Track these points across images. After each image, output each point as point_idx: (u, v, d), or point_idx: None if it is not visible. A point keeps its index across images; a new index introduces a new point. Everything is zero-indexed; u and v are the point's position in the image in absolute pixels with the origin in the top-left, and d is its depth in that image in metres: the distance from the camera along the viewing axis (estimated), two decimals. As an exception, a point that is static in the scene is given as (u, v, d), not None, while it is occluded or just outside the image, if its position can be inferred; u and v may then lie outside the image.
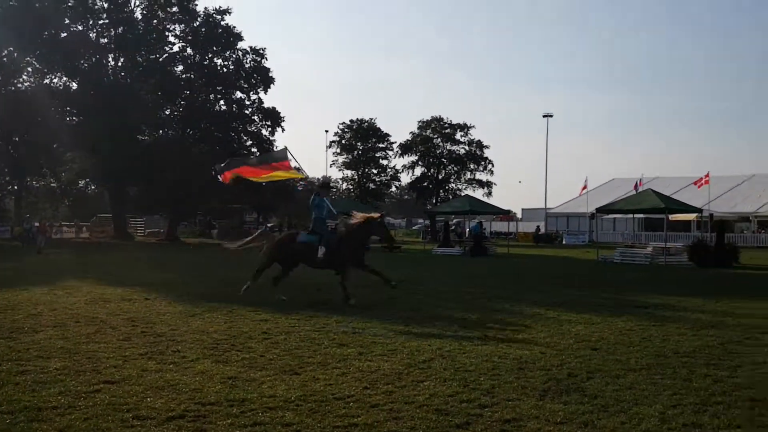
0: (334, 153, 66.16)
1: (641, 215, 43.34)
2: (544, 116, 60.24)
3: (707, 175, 48.22)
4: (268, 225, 51.43)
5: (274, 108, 54.16)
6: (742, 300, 13.77)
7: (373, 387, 6.49)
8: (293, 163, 14.86)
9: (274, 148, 55.01)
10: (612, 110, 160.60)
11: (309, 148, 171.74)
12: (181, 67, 52.46)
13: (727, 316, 11.43)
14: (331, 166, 69.01)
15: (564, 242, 52.65)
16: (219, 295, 13.72)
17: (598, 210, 33.54)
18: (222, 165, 15.33)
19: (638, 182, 52.19)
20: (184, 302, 12.53)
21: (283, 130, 54.64)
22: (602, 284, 17.59)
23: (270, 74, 53.20)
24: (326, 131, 67.57)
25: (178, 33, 51.63)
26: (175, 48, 51.99)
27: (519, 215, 79.08)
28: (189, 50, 51.94)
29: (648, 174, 60.53)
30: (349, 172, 67.30)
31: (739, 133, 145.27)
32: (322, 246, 12.73)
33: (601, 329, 9.90)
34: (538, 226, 59.25)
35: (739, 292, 15.40)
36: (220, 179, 15.21)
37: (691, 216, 44.11)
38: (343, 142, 65.59)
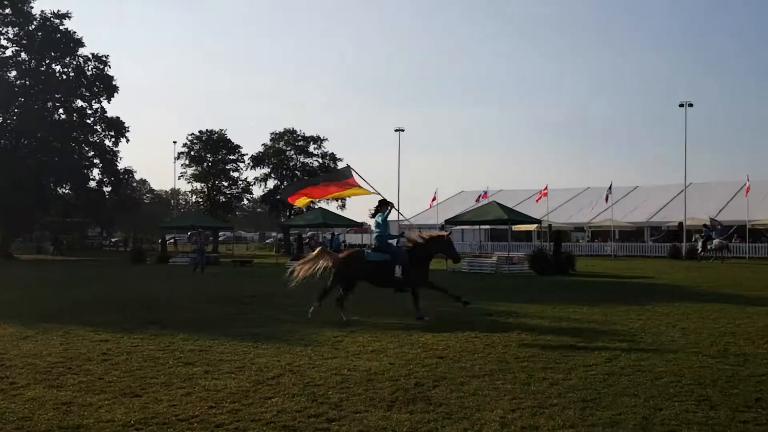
0: (182, 165, 64.31)
1: (487, 226, 45.23)
2: (396, 131, 61.36)
3: (546, 188, 51.04)
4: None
5: (118, 118, 51.99)
6: (576, 305, 14.61)
7: (219, 406, 6.31)
8: (359, 180, 14.33)
9: (118, 160, 52.92)
10: (459, 125, 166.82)
11: (156, 160, 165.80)
12: (14, 73, 49.17)
13: (563, 321, 12.11)
14: (179, 178, 67.06)
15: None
16: (55, 315, 12.92)
17: (447, 221, 34.61)
18: (288, 187, 14.34)
19: (482, 195, 54.30)
20: (15, 324, 11.66)
21: (127, 140, 52.52)
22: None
23: (114, 82, 51.04)
24: (174, 142, 65.40)
25: (11, 36, 48.41)
26: (8, 52, 48.76)
27: (373, 227, 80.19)
28: (23, 55, 48.84)
29: (493, 187, 63.30)
30: (198, 185, 65.67)
31: (572, 148, 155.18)
32: (398, 265, 12.25)
33: (447, 338, 10.16)
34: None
35: (574, 298, 16.33)
36: (288, 202, 14.52)
37: (532, 227, 46.49)
38: (192, 153, 63.88)
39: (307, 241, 49.57)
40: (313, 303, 12.48)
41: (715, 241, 37.16)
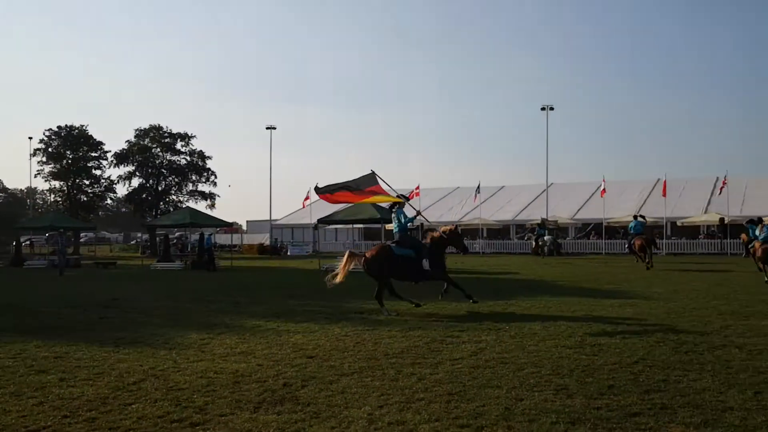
0: (39, 162, 60.63)
1: (360, 225, 45.50)
2: (267, 128, 60.61)
3: (417, 188, 52.05)
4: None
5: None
6: (446, 301, 14.87)
7: (74, 415, 5.97)
8: (383, 185, 14.96)
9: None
10: (332, 124, 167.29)
11: (9, 156, 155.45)
12: None
13: (433, 317, 12.33)
14: (36, 176, 63.20)
15: (289, 253, 53.49)
16: None
17: (320, 221, 34.50)
18: (323, 187, 14.58)
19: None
20: None
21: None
22: (322, 293, 18.01)
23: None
24: (30, 138, 61.43)
25: None
26: None
27: (244, 227, 78.94)
28: None
29: (366, 186, 63.79)
30: (57, 183, 62.08)
31: (443, 149, 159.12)
32: (425, 259, 13.13)
33: (318, 337, 10.13)
34: (275, 238, 59.61)
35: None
36: (322, 198, 15.07)
37: (405, 225, 47.18)
38: (50, 150, 60.33)
39: (174, 242, 48.15)
40: (382, 311, 12.95)
41: (547, 238, 39.67)
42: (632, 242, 27.80)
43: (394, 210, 14.02)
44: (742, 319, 11.44)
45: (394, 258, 13.21)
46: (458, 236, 14.10)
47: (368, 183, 15.00)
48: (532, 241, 41.93)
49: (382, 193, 15.03)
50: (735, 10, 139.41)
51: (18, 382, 7.30)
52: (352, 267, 13.43)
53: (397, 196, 14.39)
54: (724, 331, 10.10)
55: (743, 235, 30.19)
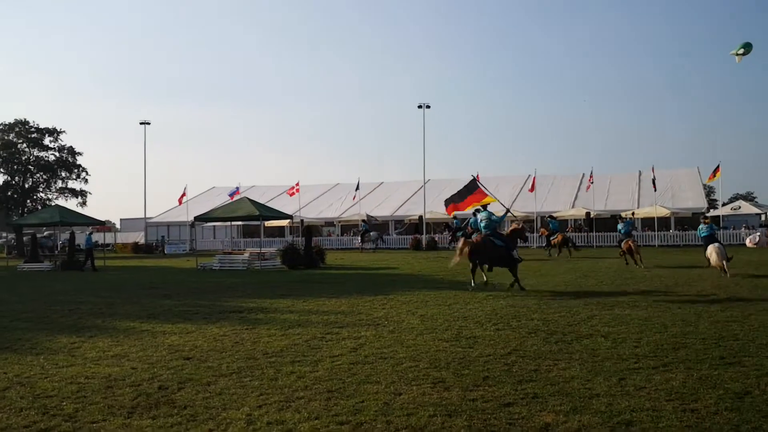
0: None
1: (239, 222, 44.84)
2: (141, 123, 58.47)
3: (297, 184, 51.83)
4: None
5: None
6: (325, 297, 15.00)
7: (-73, 430, 5.57)
8: (483, 189, 18.19)
9: None
10: (210, 121, 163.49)
11: None
12: None
13: (313, 314, 12.34)
14: None
15: (165, 252, 51.92)
16: None
17: (197, 218, 33.71)
18: (449, 199, 18.06)
19: (234, 191, 53.85)
20: None
21: None
22: (200, 292, 17.69)
23: None
24: None
25: None
26: None
27: (118, 225, 76.04)
28: None
29: (245, 183, 62.97)
30: None
31: (322, 145, 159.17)
32: (515, 249, 15.95)
33: (195, 338, 9.91)
34: (162, 236, 57.57)
35: (323, 291, 16.74)
36: (455, 208, 18.29)
37: (285, 222, 46.93)
38: None
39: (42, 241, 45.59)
40: (471, 283, 16.00)
41: (372, 234, 41.73)
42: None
43: (480, 209, 17.01)
44: (607, 309, 12.13)
45: (494, 247, 15.71)
46: (524, 232, 17.46)
47: (476, 187, 17.94)
48: (358, 237, 44.64)
49: (485, 195, 17.77)
50: (591, 11, 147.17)
51: None
52: (465, 252, 15.88)
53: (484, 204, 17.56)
54: (591, 321, 10.68)
55: (543, 230, 34.74)
